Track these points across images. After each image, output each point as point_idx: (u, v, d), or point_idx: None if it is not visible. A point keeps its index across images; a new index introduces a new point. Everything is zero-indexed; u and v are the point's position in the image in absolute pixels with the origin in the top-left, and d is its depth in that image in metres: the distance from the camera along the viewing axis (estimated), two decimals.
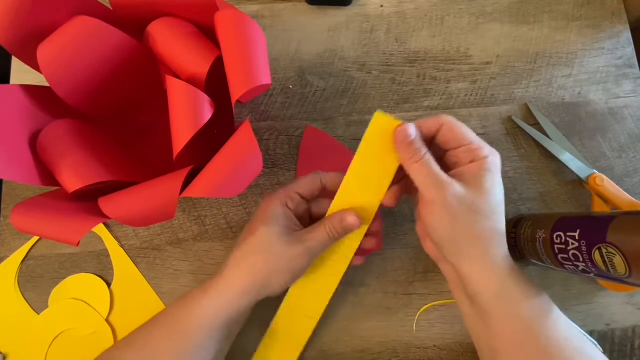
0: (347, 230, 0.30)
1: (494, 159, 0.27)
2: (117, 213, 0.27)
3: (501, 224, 0.27)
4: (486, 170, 0.27)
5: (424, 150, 0.27)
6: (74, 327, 0.36)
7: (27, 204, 0.28)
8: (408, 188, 0.31)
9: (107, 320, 0.37)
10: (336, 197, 0.31)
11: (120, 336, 0.36)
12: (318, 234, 0.30)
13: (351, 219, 0.29)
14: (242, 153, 0.26)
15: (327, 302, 0.33)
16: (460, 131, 0.27)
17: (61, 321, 0.36)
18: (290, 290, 0.33)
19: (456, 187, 0.26)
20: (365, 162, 0.30)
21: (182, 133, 0.27)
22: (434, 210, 0.26)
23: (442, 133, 0.28)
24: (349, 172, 0.30)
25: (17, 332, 0.36)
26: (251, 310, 0.32)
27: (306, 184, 0.32)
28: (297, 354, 0.34)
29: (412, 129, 0.27)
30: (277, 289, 0.30)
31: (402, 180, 0.31)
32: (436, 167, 0.27)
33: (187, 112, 0.27)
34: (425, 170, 0.26)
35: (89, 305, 0.37)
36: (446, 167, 0.28)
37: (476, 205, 0.26)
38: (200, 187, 0.26)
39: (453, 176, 0.27)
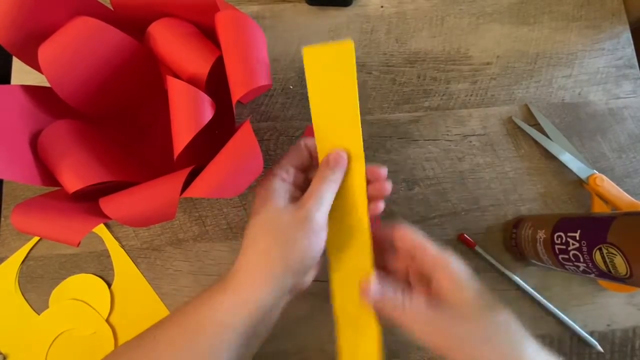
0: (338, 166, 0.28)
1: (459, 264, 0.27)
2: (117, 213, 0.27)
3: (504, 312, 0.26)
4: (463, 281, 0.26)
5: (399, 297, 0.27)
6: (74, 328, 0.36)
7: (28, 204, 0.28)
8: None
9: (107, 320, 0.36)
10: (318, 150, 0.30)
11: (120, 336, 0.36)
12: (313, 187, 0.28)
13: (334, 154, 0.28)
14: (242, 153, 0.26)
15: (370, 259, 0.29)
16: (416, 241, 0.28)
17: (61, 321, 0.36)
18: (331, 272, 0.30)
19: (459, 328, 0.25)
20: (323, 101, 0.29)
21: (182, 133, 0.27)
22: (450, 356, 0.25)
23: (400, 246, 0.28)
24: (314, 120, 0.29)
25: (17, 332, 0.36)
26: (285, 303, 0.30)
27: (294, 154, 0.30)
28: (375, 335, 0.30)
29: (375, 287, 0.27)
30: (299, 268, 0.27)
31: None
32: (428, 312, 0.26)
33: (188, 112, 0.27)
34: (418, 321, 0.26)
35: (89, 305, 0.37)
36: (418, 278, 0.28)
37: (484, 329, 0.25)
38: (201, 187, 0.26)
39: (435, 299, 0.26)
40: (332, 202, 0.28)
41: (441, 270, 0.26)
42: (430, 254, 0.27)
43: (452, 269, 0.26)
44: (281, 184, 0.29)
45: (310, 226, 0.26)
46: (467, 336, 0.25)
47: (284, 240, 0.26)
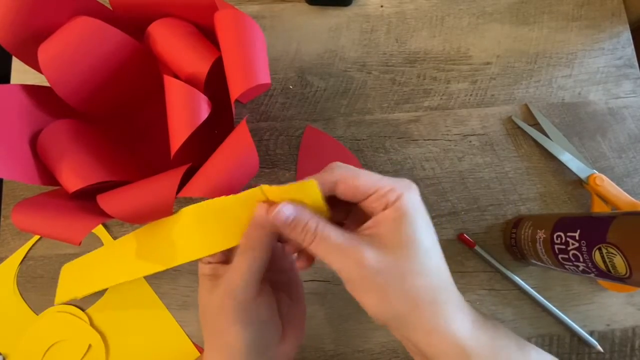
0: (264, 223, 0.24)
1: (408, 196, 0.22)
2: (114, 209, 0.27)
3: (441, 274, 0.23)
4: (402, 214, 0.22)
5: (313, 224, 0.22)
6: (67, 338, 0.36)
7: (28, 203, 0.28)
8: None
9: (105, 322, 0.36)
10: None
11: (120, 336, 0.36)
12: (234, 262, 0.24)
13: (260, 210, 0.23)
14: (238, 153, 0.26)
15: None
16: (359, 183, 0.23)
17: (55, 331, 0.36)
18: None
19: (367, 253, 0.21)
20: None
21: (179, 132, 0.27)
22: (355, 287, 0.22)
23: (340, 191, 0.23)
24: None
25: (16, 332, 0.36)
26: None
27: None
28: None
29: (287, 210, 0.23)
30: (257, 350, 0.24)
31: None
32: (337, 237, 0.22)
33: (184, 111, 0.28)
34: (326, 247, 0.22)
35: (77, 317, 0.36)
36: (363, 217, 0.24)
37: (402, 266, 0.21)
38: (197, 187, 0.26)
39: (367, 231, 0.23)
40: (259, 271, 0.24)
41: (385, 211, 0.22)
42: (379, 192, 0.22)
43: (402, 207, 0.22)
44: (206, 269, 0.26)
45: (238, 317, 0.24)
46: (395, 275, 0.21)
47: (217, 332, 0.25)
